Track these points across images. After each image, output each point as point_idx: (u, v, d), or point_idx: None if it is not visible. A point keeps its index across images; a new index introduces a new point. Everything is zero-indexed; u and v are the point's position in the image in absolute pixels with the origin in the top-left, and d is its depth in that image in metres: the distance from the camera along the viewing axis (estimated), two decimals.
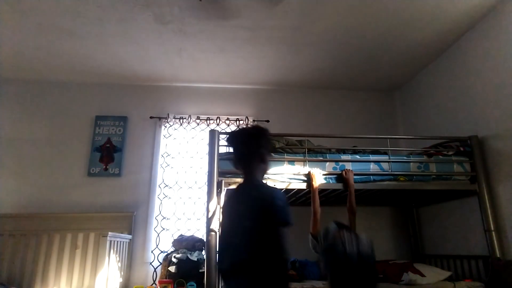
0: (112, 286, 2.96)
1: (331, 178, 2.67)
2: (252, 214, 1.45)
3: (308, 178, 2.62)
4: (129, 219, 3.54)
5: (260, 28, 3.10)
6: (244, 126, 1.79)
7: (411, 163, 2.80)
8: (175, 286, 2.94)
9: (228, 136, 1.72)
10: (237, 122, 3.97)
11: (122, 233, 3.35)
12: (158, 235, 3.56)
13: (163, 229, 3.58)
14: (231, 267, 1.47)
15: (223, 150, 2.69)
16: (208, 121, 3.97)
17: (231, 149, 1.71)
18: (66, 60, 3.60)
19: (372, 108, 4.25)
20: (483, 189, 2.78)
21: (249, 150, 1.58)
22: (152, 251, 3.50)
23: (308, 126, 4.01)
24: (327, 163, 2.71)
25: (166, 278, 3.03)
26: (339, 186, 2.66)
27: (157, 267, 3.45)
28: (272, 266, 1.39)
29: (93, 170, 3.71)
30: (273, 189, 1.58)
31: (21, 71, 3.80)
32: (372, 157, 2.79)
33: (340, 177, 2.67)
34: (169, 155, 3.82)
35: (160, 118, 3.92)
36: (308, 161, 2.67)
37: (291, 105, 4.16)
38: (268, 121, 4.01)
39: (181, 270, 3.00)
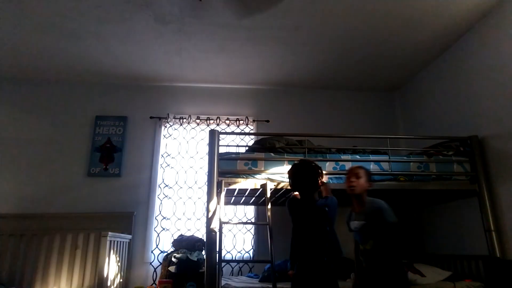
0: (112, 286, 2.96)
1: (331, 178, 2.67)
2: (322, 217, 1.98)
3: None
4: (129, 219, 3.54)
5: (260, 28, 3.10)
6: (304, 161, 2.19)
7: (411, 163, 2.80)
8: (175, 286, 2.94)
9: (295, 167, 2.10)
10: (237, 122, 3.97)
11: (122, 233, 3.35)
12: (158, 235, 3.56)
13: (163, 229, 3.58)
14: (311, 260, 1.91)
15: (223, 150, 2.68)
16: (208, 121, 3.97)
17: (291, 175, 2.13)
18: (66, 60, 3.60)
19: (372, 108, 4.25)
20: (483, 189, 2.78)
21: (310, 180, 2.06)
22: (152, 251, 3.50)
23: (308, 126, 4.00)
24: (327, 163, 2.71)
25: (166, 278, 3.03)
26: (339, 186, 2.66)
27: (157, 267, 3.45)
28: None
29: (93, 170, 3.71)
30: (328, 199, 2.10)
31: (21, 71, 3.80)
32: (372, 157, 2.79)
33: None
34: (169, 155, 3.82)
35: (160, 118, 3.92)
36: None
37: (291, 105, 4.16)
38: (268, 121, 4.01)
39: (181, 270, 3.00)
